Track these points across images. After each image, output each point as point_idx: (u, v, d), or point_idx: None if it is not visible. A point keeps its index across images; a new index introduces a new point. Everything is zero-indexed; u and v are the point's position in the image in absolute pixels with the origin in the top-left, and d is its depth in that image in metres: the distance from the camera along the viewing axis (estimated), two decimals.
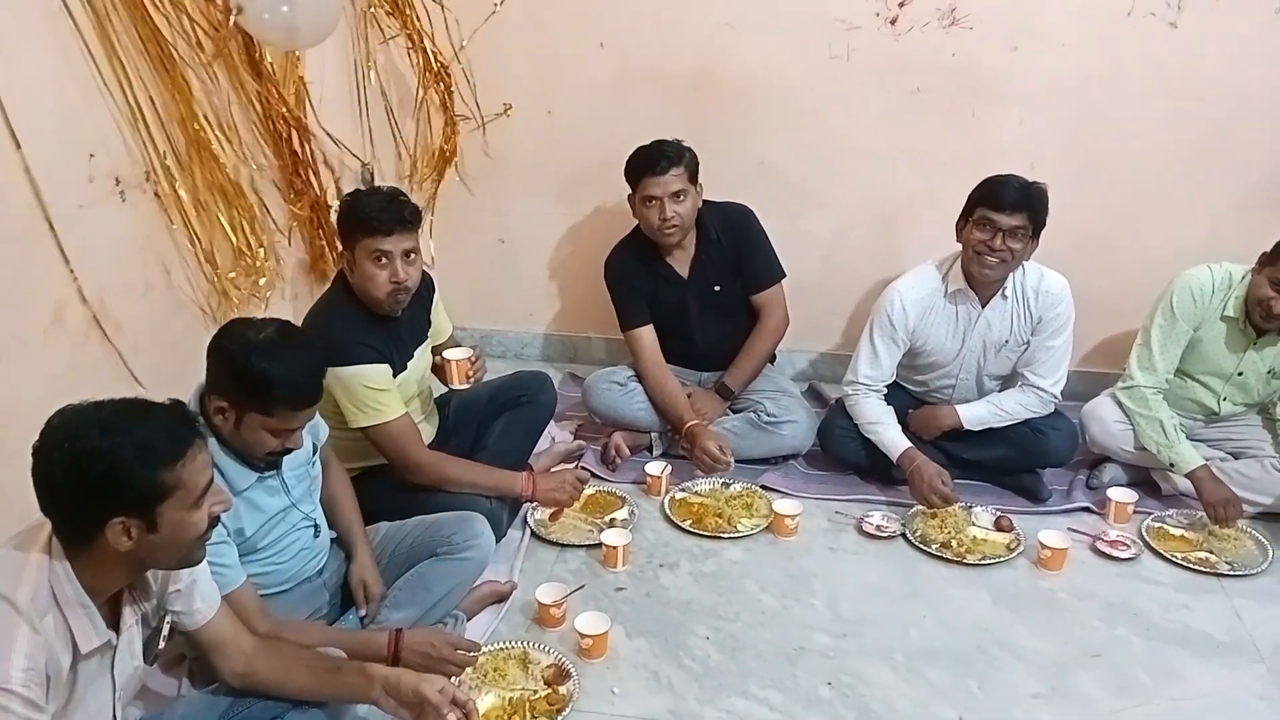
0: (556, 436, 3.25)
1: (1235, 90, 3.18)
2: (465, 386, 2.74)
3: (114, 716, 1.62)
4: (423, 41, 3.36)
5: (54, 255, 2.10)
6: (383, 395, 2.46)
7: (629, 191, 3.06)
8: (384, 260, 2.40)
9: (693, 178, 3.00)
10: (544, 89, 3.52)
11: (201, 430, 1.58)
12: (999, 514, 2.87)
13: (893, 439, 2.91)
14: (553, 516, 2.78)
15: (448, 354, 2.70)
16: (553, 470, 2.87)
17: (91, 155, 2.18)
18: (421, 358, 2.68)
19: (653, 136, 3.15)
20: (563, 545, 2.75)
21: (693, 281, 3.11)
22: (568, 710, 2.14)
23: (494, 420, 2.93)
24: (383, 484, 2.54)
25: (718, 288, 3.11)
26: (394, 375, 2.51)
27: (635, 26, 3.38)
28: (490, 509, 2.57)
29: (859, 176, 3.49)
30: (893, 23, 3.24)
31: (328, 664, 1.88)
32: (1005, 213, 2.71)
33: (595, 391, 3.19)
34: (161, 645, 1.69)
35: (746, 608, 2.53)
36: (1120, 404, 2.97)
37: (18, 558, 1.49)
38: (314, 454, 2.24)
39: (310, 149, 3.01)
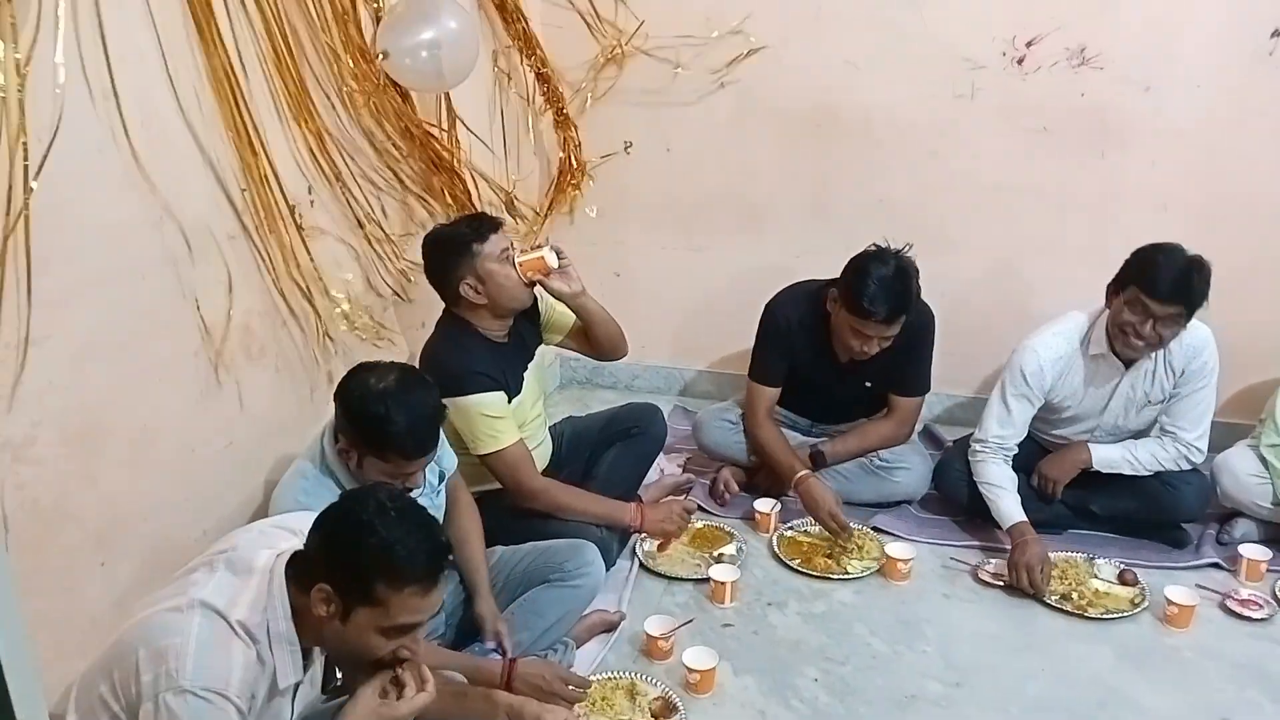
0: (665, 469, 3.27)
1: None
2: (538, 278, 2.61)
3: None
4: (552, 81, 3.46)
5: (208, 279, 2.23)
6: (499, 423, 2.53)
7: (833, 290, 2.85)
8: (495, 265, 2.50)
9: (911, 316, 2.78)
10: (663, 127, 3.58)
11: (445, 579, 1.60)
12: (1123, 567, 2.77)
13: (1009, 508, 2.78)
14: (660, 547, 2.81)
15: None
16: (661, 502, 2.90)
17: (244, 190, 2.31)
18: (531, 379, 2.74)
19: (772, 174, 3.18)
20: (671, 578, 2.76)
21: (848, 372, 2.96)
22: None
23: (605, 450, 2.97)
24: (498, 508, 2.60)
25: (869, 385, 2.98)
26: (509, 400, 2.57)
27: (757, 64, 3.41)
28: (601, 538, 2.61)
29: (981, 217, 3.44)
30: (1020, 62, 3.21)
31: (453, 688, 1.94)
32: (1161, 301, 2.54)
33: (707, 428, 3.21)
34: (339, 679, 1.75)
35: (856, 651, 2.50)
36: (1262, 457, 2.84)
37: (245, 570, 1.58)
38: (439, 484, 2.32)
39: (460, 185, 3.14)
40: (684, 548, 2.86)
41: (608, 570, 2.58)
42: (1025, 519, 2.76)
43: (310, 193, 2.50)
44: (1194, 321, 2.68)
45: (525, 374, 2.71)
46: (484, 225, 2.54)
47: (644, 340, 3.93)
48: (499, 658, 2.22)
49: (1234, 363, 3.20)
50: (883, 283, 2.68)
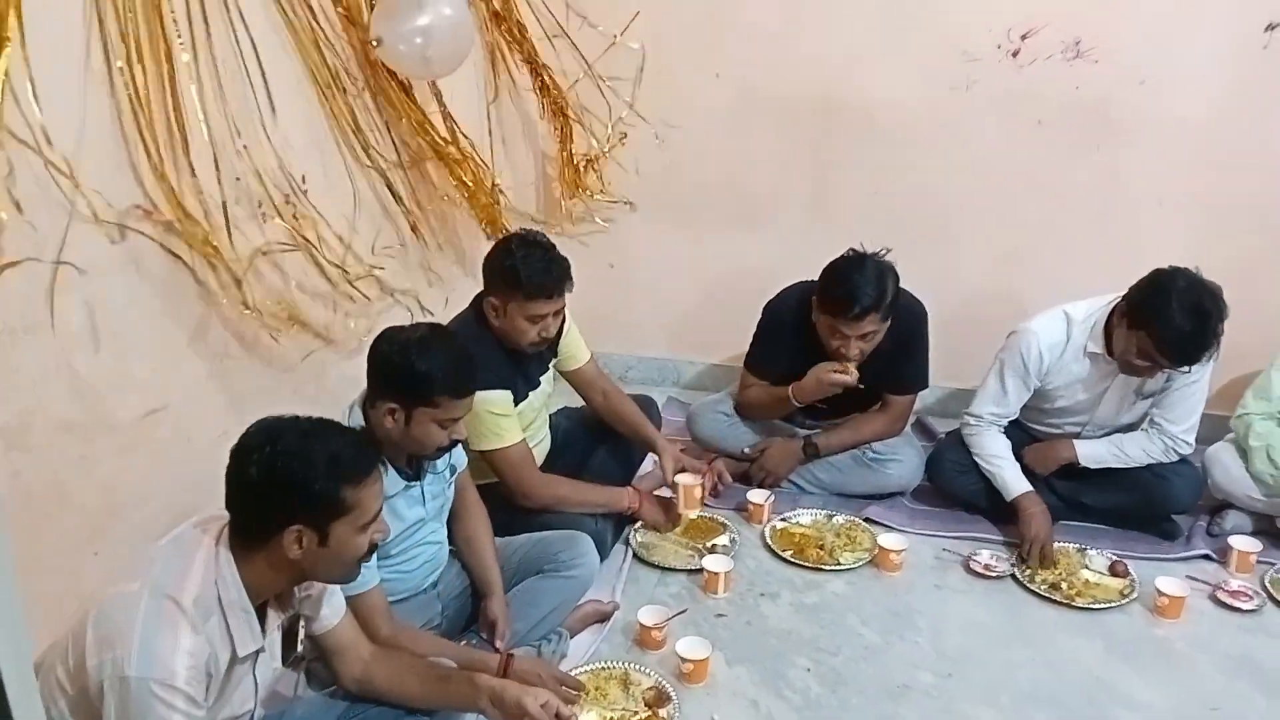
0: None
1: None
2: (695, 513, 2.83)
3: (253, 715, 1.71)
4: (544, 72, 3.46)
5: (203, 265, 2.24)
6: (503, 421, 2.53)
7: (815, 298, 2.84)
8: (538, 320, 2.50)
9: (886, 315, 2.77)
10: (660, 116, 3.57)
11: (383, 459, 1.70)
12: (1114, 558, 2.78)
13: (1013, 478, 2.82)
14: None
15: (679, 479, 2.78)
16: (655, 492, 2.92)
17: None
18: (545, 384, 2.75)
19: (771, 165, 3.15)
20: (664, 569, 2.77)
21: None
22: None
23: (600, 441, 2.98)
24: (493, 500, 2.60)
25: (862, 385, 2.94)
26: (516, 403, 2.58)
27: (756, 55, 3.41)
28: (595, 529, 2.62)
29: (977, 209, 3.45)
30: (1015, 55, 3.21)
31: (438, 673, 1.95)
32: (1170, 359, 2.56)
33: (701, 420, 3.22)
34: (300, 649, 1.78)
35: (848, 641, 2.51)
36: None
37: (189, 550, 1.58)
38: (450, 476, 2.34)
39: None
40: (677, 539, 2.87)
41: (602, 561, 2.59)
42: (1031, 489, 2.80)
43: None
44: None
45: (542, 379, 2.73)
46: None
47: (640, 332, 3.95)
48: (495, 651, 2.23)
49: (1226, 355, 3.21)
50: (854, 281, 2.71)
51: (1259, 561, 2.77)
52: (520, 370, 2.63)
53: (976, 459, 2.90)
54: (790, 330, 2.96)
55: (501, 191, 3.41)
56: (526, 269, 2.48)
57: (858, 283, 2.69)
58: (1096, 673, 2.41)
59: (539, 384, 2.72)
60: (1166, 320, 2.51)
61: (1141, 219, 3.30)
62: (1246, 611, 2.62)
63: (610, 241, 3.79)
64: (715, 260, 3.75)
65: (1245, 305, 3.21)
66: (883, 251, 2.79)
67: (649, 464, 3.13)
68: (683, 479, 2.77)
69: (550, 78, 3.48)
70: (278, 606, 1.71)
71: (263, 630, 1.65)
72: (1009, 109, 3.29)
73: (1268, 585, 2.70)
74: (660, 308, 3.90)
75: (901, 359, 2.95)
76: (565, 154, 3.59)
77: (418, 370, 2.03)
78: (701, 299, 3.81)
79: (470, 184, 3.19)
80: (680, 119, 3.57)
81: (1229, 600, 2.64)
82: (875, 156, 3.45)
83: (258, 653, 1.65)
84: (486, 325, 2.57)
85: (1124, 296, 2.65)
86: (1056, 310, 2.83)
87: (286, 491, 1.57)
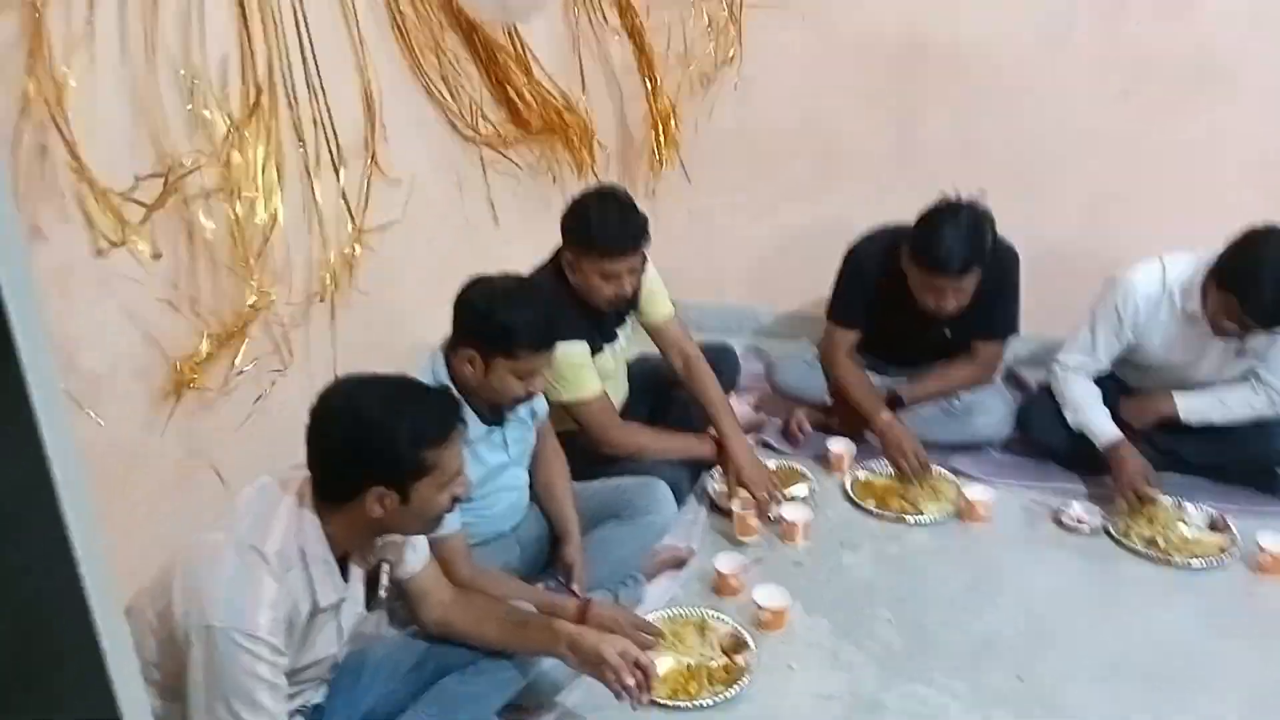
0: (736, 409, 3.22)
1: None
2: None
3: (336, 658, 1.74)
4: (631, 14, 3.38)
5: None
6: (583, 371, 2.52)
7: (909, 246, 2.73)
8: (613, 278, 2.46)
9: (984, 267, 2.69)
10: (739, 59, 3.47)
11: (464, 418, 1.71)
12: (1214, 513, 2.66)
13: (1101, 425, 2.71)
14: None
15: (734, 505, 2.65)
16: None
17: None
18: (622, 338, 2.73)
19: (855, 111, 3.04)
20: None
21: (928, 319, 2.79)
22: (746, 680, 2.14)
23: (671, 390, 2.94)
24: (572, 449, 2.60)
25: (949, 333, 2.86)
26: (593, 354, 2.56)
27: None
28: (671, 476, 2.60)
29: (1070, 161, 3.29)
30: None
31: (517, 617, 1.96)
32: (1261, 325, 2.48)
33: (783, 367, 3.18)
34: (383, 594, 1.80)
35: (932, 594, 2.46)
36: None
37: (271, 504, 1.61)
38: (531, 420, 2.34)
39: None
40: None
41: (679, 508, 2.58)
42: (1122, 435, 2.69)
43: None
44: None
45: (620, 332, 2.71)
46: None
47: (718, 278, 3.89)
48: (573, 595, 2.23)
49: None
50: (954, 236, 2.61)
51: None
52: (597, 326, 2.60)
53: (1063, 409, 2.79)
54: (874, 277, 2.88)
55: (600, 144, 3.39)
56: (600, 225, 2.45)
57: (955, 238, 2.60)
58: (1191, 635, 2.32)
59: (615, 337, 2.69)
60: (1256, 283, 2.42)
61: (1241, 180, 3.13)
62: None
63: (688, 189, 3.72)
64: (794, 210, 3.65)
65: None
66: (979, 194, 2.67)
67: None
68: (737, 506, 2.65)
69: (636, 19, 3.40)
70: (360, 557, 1.73)
71: (345, 580, 1.67)
72: (1109, 58, 3.12)
73: None
74: (740, 255, 3.82)
75: (992, 303, 2.83)
76: (656, 106, 3.50)
77: (499, 320, 2.03)
78: (778, 246, 3.73)
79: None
80: (756, 62, 3.44)
81: None
82: (966, 104, 3.31)
83: (340, 602, 1.67)
84: (563, 280, 2.55)
85: (1219, 256, 2.52)
86: (1154, 260, 2.69)
87: (368, 457, 1.59)
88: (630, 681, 1.80)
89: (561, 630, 1.86)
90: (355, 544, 1.69)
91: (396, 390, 1.66)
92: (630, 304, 2.67)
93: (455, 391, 2.00)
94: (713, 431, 2.77)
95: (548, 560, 2.42)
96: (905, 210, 2.81)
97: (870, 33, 3.33)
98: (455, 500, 1.71)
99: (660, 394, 2.96)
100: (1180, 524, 2.64)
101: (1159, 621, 2.36)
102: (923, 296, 2.72)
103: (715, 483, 2.81)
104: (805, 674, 2.21)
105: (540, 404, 2.38)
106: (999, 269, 2.79)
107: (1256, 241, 2.47)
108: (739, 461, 2.68)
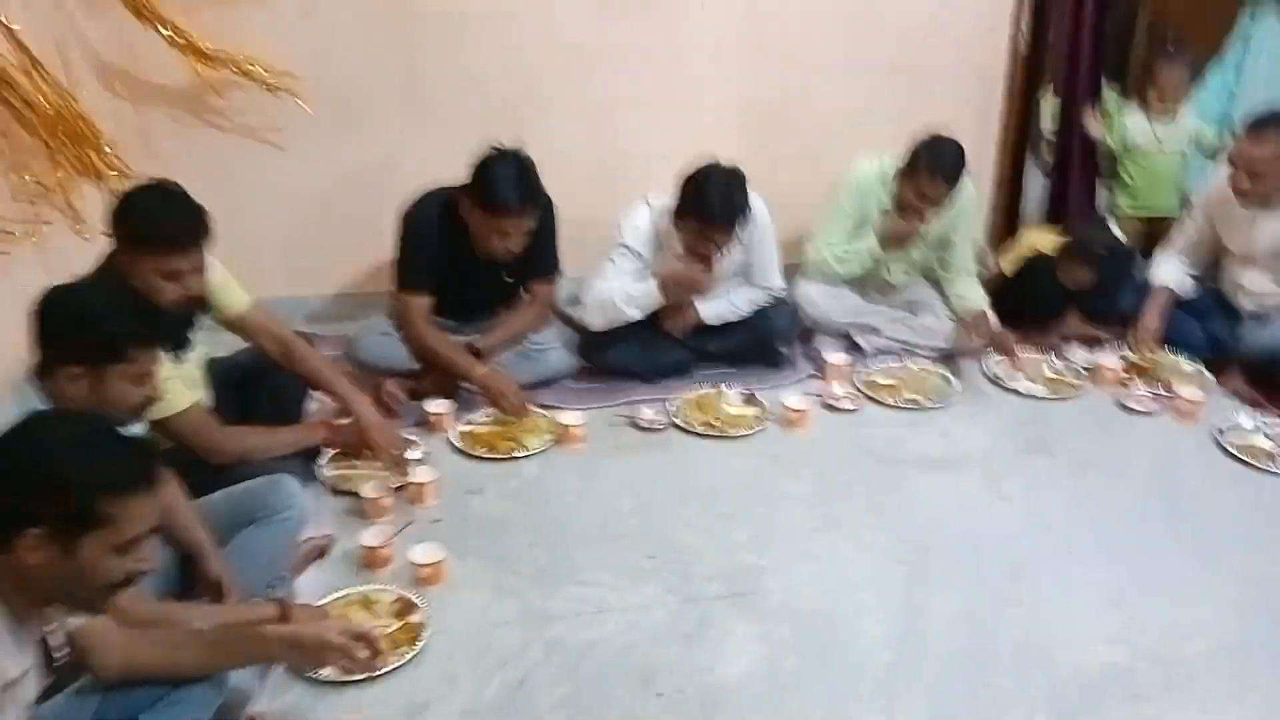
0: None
1: None
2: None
3: None
4: None
5: None
6: (171, 384, 2.36)
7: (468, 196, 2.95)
8: (175, 278, 2.33)
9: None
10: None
11: (165, 481, 1.56)
12: (746, 392, 3.29)
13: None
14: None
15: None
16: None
17: None
18: (200, 343, 2.61)
19: (346, 63, 3.08)
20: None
21: (488, 267, 3.10)
22: (426, 634, 2.26)
23: (257, 385, 2.87)
24: (178, 465, 2.45)
25: (509, 278, 3.11)
26: (175, 359, 2.44)
27: None
28: (288, 471, 2.57)
29: (567, 78, 3.64)
30: None
31: (214, 636, 1.87)
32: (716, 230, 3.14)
33: (364, 343, 3.27)
34: (61, 655, 1.62)
35: (558, 511, 2.76)
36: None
37: None
38: None
39: None
40: (366, 464, 2.86)
41: None
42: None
43: None
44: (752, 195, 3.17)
45: (188, 340, 2.57)
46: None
47: (251, 271, 3.70)
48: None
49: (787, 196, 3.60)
50: (508, 176, 2.88)
51: (851, 370, 3.41)
52: (170, 334, 2.46)
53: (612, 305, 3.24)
54: (434, 237, 3.06)
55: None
56: (151, 220, 2.32)
57: (510, 178, 2.88)
58: (757, 481, 2.89)
59: (189, 342, 2.58)
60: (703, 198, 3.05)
61: (703, 73, 3.69)
62: (851, 411, 3.25)
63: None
64: (312, 174, 3.59)
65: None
66: (520, 146, 2.95)
67: (313, 402, 3.08)
68: (369, 491, 2.69)
69: None
70: (37, 620, 1.55)
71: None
72: None
73: (861, 387, 3.35)
74: (265, 238, 3.63)
75: (537, 245, 3.13)
76: None
77: (106, 327, 1.89)
78: (310, 221, 3.66)
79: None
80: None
81: (836, 405, 3.25)
82: (460, 36, 3.49)
83: (23, 675, 1.50)
84: (125, 284, 2.38)
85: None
86: (642, 203, 3.24)
87: (30, 482, 1.41)
88: (363, 655, 1.84)
89: (273, 634, 1.83)
90: (30, 604, 1.50)
91: (94, 424, 1.51)
92: (199, 305, 2.58)
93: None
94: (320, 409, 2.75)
95: (190, 583, 2.30)
96: (426, 161, 2.93)
97: None
98: (130, 579, 1.50)
99: (244, 391, 2.85)
100: (725, 406, 3.23)
101: (733, 475, 2.92)
102: (487, 241, 2.96)
103: (325, 469, 2.83)
104: (479, 611, 2.38)
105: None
106: (548, 215, 3.14)
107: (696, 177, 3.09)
108: (366, 421, 2.73)
